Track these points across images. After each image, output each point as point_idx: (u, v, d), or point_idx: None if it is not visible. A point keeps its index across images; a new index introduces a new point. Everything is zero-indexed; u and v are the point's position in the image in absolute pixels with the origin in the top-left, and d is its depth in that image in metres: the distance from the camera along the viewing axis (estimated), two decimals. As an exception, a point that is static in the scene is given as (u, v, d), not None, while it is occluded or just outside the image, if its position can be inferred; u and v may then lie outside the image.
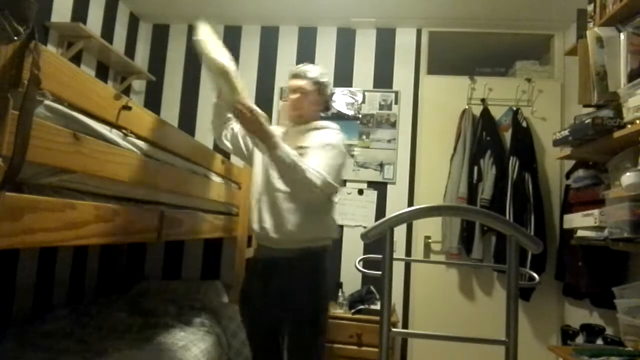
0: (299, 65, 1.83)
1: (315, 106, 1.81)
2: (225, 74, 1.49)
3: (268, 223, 1.65)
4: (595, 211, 1.96)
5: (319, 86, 1.79)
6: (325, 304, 1.75)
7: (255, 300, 1.70)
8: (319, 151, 1.63)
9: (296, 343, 1.65)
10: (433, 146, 3.12)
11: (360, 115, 3.19)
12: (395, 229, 0.98)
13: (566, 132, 2.10)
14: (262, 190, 1.72)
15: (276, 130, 1.82)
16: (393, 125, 3.17)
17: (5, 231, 0.87)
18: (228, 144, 1.88)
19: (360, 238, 1.07)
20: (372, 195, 3.10)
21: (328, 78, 1.84)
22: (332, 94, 1.91)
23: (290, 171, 1.53)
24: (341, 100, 3.22)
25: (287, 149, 1.53)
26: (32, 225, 0.94)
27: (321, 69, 1.82)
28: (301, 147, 1.65)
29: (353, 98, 3.21)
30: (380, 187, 3.12)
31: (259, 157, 1.81)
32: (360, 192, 3.12)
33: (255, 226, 1.70)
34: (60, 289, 2.65)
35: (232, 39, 3.33)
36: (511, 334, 0.92)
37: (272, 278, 1.66)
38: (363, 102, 3.21)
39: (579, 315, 2.59)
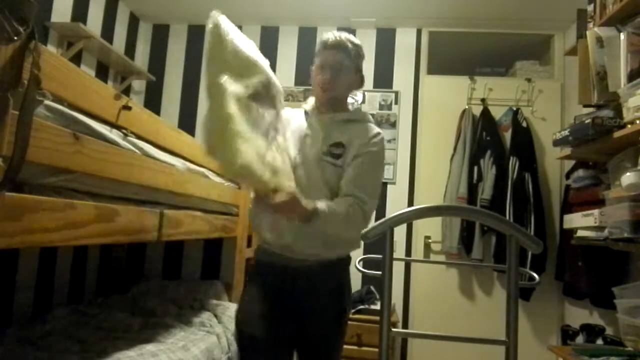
0: (334, 33, 1.47)
1: (351, 86, 1.52)
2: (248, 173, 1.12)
3: (289, 238, 1.37)
4: (595, 211, 1.96)
5: (359, 61, 1.49)
6: (349, 307, 1.57)
7: (272, 302, 1.42)
8: (362, 164, 1.38)
9: (322, 347, 1.47)
10: (433, 146, 3.12)
11: (360, 115, 3.18)
12: (395, 229, 0.98)
13: (566, 132, 2.10)
14: None
15: (296, 114, 1.56)
16: (393, 125, 3.17)
17: (5, 231, 0.87)
18: None
19: (360, 238, 1.06)
20: (372, 195, 3.09)
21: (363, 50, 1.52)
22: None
23: (330, 228, 1.31)
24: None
25: (326, 211, 1.27)
26: (32, 225, 0.94)
27: (358, 39, 1.49)
28: (338, 145, 1.41)
29: (353, 98, 3.18)
30: (380, 187, 3.11)
31: None
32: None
33: (269, 236, 1.43)
34: (60, 289, 2.65)
35: (232, 39, 3.33)
36: (511, 334, 0.91)
37: (297, 279, 1.42)
38: (363, 102, 3.20)
39: (579, 315, 2.59)
